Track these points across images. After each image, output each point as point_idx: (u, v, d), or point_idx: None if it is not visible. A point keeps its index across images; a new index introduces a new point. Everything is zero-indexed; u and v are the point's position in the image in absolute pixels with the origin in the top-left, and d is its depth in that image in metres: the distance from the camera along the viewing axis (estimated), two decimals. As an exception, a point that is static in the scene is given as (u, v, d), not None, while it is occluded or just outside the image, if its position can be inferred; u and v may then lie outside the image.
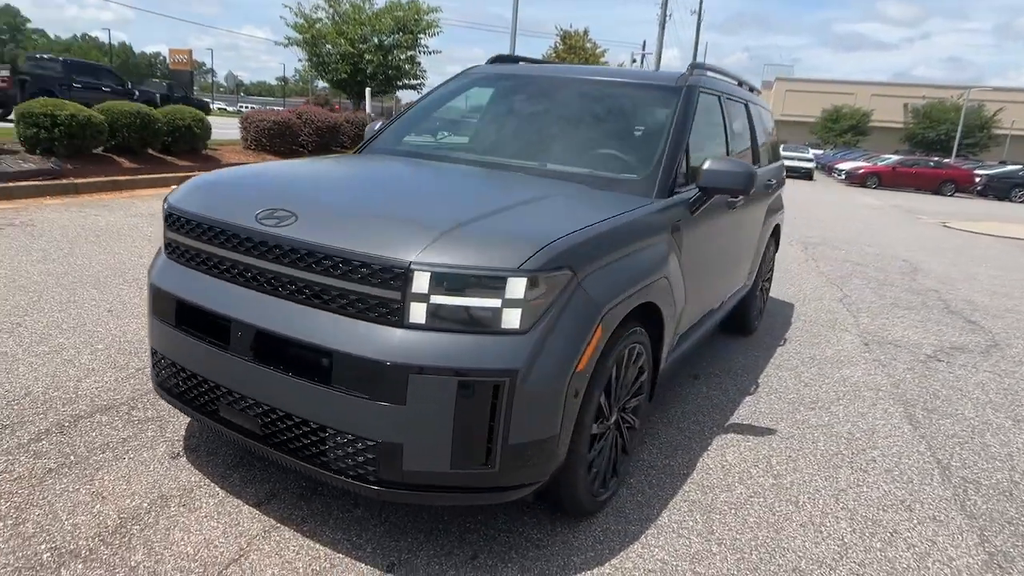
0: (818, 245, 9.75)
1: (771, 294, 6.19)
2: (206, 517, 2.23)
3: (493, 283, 1.84)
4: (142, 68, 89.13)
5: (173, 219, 2.30)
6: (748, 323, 4.77)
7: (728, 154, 3.64)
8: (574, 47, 43.21)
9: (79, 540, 2.05)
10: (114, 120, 9.26)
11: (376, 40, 16.99)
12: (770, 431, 3.34)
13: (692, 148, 3.11)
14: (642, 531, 2.40)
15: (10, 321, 3.75)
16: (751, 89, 4.97)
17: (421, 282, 1.82)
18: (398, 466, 1.88)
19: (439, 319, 1.84)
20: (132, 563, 1.98)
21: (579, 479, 2.21)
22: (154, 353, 2.39)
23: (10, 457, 2.45)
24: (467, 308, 1.85)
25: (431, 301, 1.83)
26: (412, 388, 1.81)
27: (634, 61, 41.88)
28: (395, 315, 1.85)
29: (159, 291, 2.28)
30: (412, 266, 1.83)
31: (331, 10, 17.47)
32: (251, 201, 2.17)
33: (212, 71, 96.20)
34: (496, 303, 1.85)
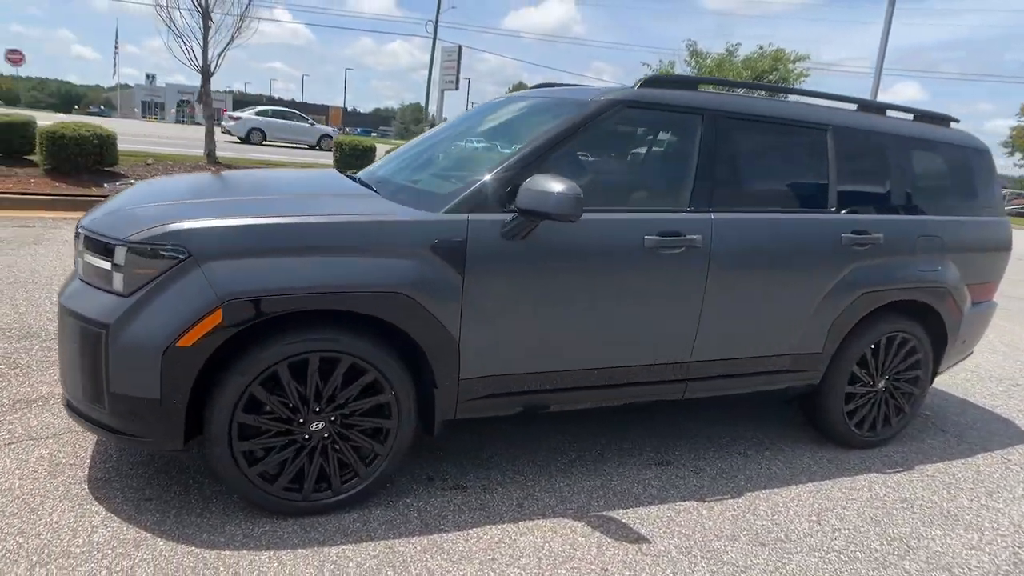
0: None
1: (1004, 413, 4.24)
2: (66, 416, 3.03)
3: (107, 249, 2.19)
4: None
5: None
6: (828, 427, 3.46)
7: (711, 188, 2.86)
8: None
9: (-7, 401, 3.10)
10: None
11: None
12: (638, 542, 2.52)
13: (595, 173, 2.70)
14: (266, 548, 2.27)
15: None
16: (918, 116, 3.67)
17: (81, 242, 2.29)
18: (65, 390, 2.35)
19: (87, 272, 2.27)
20: (-4, 420, 2.92)
21: (218, 458, 2.27)
22: None
23: (31, 351, 3.71)
24: (96, 267, 2.23)
25: (84, 258, 2.28)
26: (63, 325, 2.28)
27: None
28: (78, 266, 2.35)
29: None
30: (79, 228, 2.31)
31: (696, 64, 17.91)
32: None
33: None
34: (108, 266, 2.18)
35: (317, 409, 2.37)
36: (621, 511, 2.72)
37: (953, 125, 3.81)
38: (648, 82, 2.89)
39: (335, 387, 2.36)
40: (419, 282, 2.37)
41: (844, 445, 3.51)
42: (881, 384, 3.50)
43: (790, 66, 17.03)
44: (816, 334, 3.20)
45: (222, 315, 2.14)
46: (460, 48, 29.45)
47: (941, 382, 4.78)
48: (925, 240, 3.42)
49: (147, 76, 76.38)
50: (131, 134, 21.09)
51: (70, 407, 2.35)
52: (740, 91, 3.37)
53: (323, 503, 2.46)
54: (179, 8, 9.64)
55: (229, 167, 11.14)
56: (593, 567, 2.34)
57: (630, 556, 2.42)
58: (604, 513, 2.69)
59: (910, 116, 3.69)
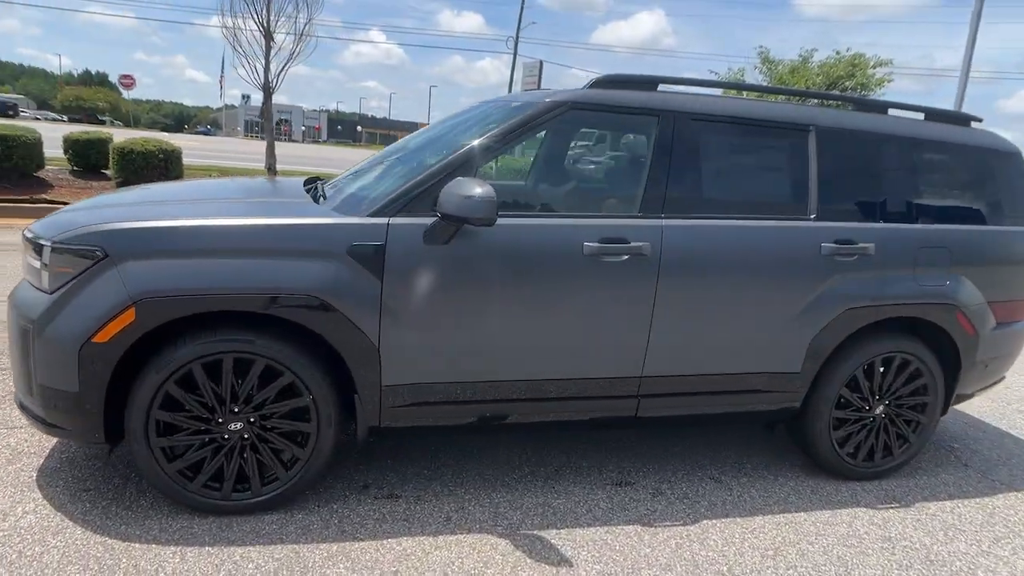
0: None
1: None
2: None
3: (38, 248, 2.31)
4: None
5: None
6: (815, 454, 3.16)
7: (675, 191, 2.70)
8: None
9: None
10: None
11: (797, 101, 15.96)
12: (558, 565, 2.39)
13: (535, 176, 2.61)
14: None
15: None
16: (930, 115, 3.34)
17: (24, 242, 2.44)
18: (13, 383, 2.50)
19: (27, 271, 2.42)
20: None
21: (137, 453, 2.34)
22: None
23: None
24: (31, 266, 2.37)
25: (26, 257, 2.43)
26: (8, 321, 2.43)
27: None
28: (24, 266, 2.51)
29: None
30: (25, 231, 2.46)
31: (767, 71, 17.18)
32: None
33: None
34: (38, 264, 2.31)
35: (235, 410, 2.40)
36: (555, 531, 2.59)
37: (976, 125, 3.44)
38: (599, 82, 2.78)
39: (251, 388, 2.39)
40: (335, 286, 2.37)
41: (837, 475, 3.20)
42: (879, 410, 3.17)
43: (869, 71, 16.00)
44: (792, 352, 2.94)
45: (135, 313, 2.21)
46: (541, 63, 29.55)
47: (982, 411, 4.30)
48: (929, 251, 3.09)
49: (243, 96, 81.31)
50: (220, 150, 22.61)
51: (17, 400, 2.50)
52: (735, 92, 3.18)
53: (244, 503, 2.48)
54: (245, 30, 10.26)
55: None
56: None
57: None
58: (536, 532, 2.58)
59: (921, 115, 3.36)
